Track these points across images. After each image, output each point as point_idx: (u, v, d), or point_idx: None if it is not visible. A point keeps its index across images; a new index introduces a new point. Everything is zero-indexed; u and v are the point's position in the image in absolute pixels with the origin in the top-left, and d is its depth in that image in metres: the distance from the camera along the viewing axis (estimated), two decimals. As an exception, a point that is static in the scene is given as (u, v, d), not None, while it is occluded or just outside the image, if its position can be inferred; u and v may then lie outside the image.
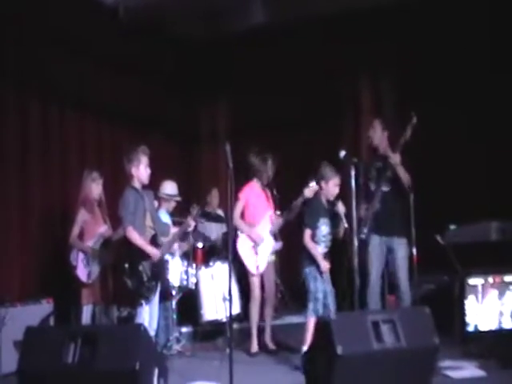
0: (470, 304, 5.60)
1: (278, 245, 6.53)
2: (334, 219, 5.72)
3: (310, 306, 5.54)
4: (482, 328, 5.59)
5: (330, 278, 5.66)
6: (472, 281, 5.64)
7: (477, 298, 5.61)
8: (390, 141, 6.03)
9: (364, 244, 5.93)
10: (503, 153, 7.07)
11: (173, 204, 6.63)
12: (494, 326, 5.61)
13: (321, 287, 5.54)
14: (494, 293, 5.63)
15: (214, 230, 7.95)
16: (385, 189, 5.92)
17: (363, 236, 5.94)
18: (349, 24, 8.26)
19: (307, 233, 5.61)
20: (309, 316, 5.52)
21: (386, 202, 5.90)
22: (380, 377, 4.03)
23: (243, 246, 6.14)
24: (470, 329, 5.58)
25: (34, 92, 7.05)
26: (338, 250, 6.41)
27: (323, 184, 5.67)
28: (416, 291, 5.84)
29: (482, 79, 7.33)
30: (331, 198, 5.71)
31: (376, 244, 5.94)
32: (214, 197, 8.21)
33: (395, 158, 5.79)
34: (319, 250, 5.62)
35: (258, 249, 6.13)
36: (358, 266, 5.23)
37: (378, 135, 6.05)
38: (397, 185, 5.84)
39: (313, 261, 5.58)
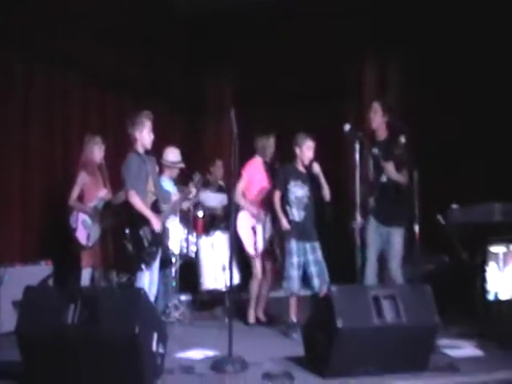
0: (491, 272, 5.51)
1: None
2: (317, 182, 5.77)
3: (284, 283, 5.65)
4: (503, 296, 5.48)
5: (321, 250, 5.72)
6: (494, 248, 5.54)
7: (498, 265, 5.51)
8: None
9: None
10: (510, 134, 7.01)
11: (176, 171, 6.59)
12: None
13: (297, 262, 5.59)
14: None
15: (215, 200, 7.88)
16: (383, 180, 5.71)
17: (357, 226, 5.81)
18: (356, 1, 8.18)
19: (276, 194, 5.77)
20: (286, 293, 5.65)
21: (384, 193, 5.69)
22: (379, 352, 4.04)
23: (242, 226, 6.08)
24: (491, 297, 5.49)
25: (39, 58, 7.00)
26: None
27: (298, 150, 5.78)
28: (416, 270, 5.79)
29: (489, 60, 7.25)
30: (306, 162, 5.78)
31: (373, 229, 5.73)
32: (218, 168, 8.14)
33: (388, 167, 5.61)
34: (293, 212, 5.70)
35: (258, 229, 6.09)
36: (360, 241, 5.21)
37: (378, 119, 5.83)
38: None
39: (289, 233, 5.64)
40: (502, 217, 6.13)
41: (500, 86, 7.13)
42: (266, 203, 6.12)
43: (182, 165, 6.60)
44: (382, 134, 5.88)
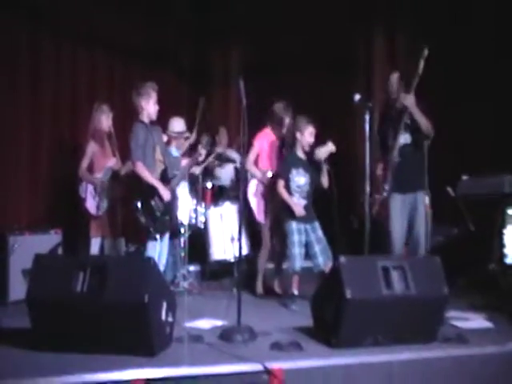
0: (510, 235, 5.46)
1: None
2: (317, 168, 5.68)
3: (287, 262, 5.65)
4: None
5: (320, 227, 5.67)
6: None
7: None
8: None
9: (386, 201, 5.60)
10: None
11: (182, 141, 6.56)
12: None
13: (297, 240, 5.55)
14: None
15: (226, 173, 7.86)
16: (403, 141, 5.51)
17: (385, 194, 5.57)
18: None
19: (279, 183, 5.67)
20: (289, 271, 5.62)
21: (405, 156, 5.47)
22: (388, 323, 4.03)
23: (254, 193, 6.10)
24: (509, 260, 5.44)
25: (47, 26, 6.99)
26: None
27: (298, 135, 5.66)
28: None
29: (497, 30, 7.15)
30: (307, 148, 5.68)
31: (398, 204, 5.51)
32: (223, 136, 8.09)
33: (409, 99, 5.31)
34: (295, 200, 5.62)
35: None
36: (369, 212, 5.15)
37: (395, 89, 5.62)
38: (416, 135, 5.46)
39: (288, 215, 5.59)
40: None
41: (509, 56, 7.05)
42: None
43: (187, 134, 6.57)
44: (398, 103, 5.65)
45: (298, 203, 5.60)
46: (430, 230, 5.49)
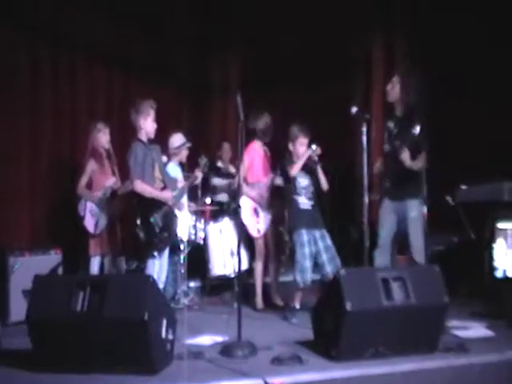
0: (499, 248, 5.45)
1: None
2: (313, 171, 5.68)
3: (298, 276, 5.51)
4: (511, 273, 5.41)
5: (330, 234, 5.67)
6: (501, 225, 5.48)
7: (506, 242, 5.43)
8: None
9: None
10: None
11: (185, 153, 6.55)
12: None
13: (308, 252, 5.52)
14: None
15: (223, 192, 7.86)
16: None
17: (376, 198, 5.77)
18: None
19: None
20: (297, 284, 5.52)
21: (397, 165, 5.47)
22: (389, 333, 4.04)
23: (244, 208, 6.03)
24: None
25: (45, 42, 7.03)
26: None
27: (291, 146, 5.67)
28: (425, 251, 5.73)
29: (497, 39, 7.17)
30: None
31: (387, 207, 5.62)
32: (226, 151, 8.10)
33: (403, 156, 5.37)
34: (302, 200, 5.64)
35: (260, 211, 6.14)
36: (367, 222, 5.15)
37: (396, 93, 5.64)
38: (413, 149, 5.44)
39: (298, 223, 5.58)
40: (511, 196, 6.09)
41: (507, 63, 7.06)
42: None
43: (188, 144, 6.56)
44: (398, 109, 5.70)
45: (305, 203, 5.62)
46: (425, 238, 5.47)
